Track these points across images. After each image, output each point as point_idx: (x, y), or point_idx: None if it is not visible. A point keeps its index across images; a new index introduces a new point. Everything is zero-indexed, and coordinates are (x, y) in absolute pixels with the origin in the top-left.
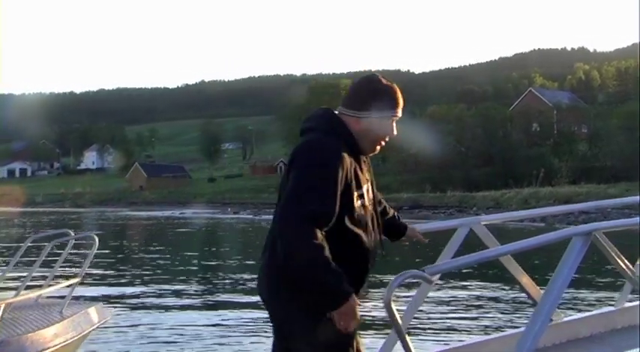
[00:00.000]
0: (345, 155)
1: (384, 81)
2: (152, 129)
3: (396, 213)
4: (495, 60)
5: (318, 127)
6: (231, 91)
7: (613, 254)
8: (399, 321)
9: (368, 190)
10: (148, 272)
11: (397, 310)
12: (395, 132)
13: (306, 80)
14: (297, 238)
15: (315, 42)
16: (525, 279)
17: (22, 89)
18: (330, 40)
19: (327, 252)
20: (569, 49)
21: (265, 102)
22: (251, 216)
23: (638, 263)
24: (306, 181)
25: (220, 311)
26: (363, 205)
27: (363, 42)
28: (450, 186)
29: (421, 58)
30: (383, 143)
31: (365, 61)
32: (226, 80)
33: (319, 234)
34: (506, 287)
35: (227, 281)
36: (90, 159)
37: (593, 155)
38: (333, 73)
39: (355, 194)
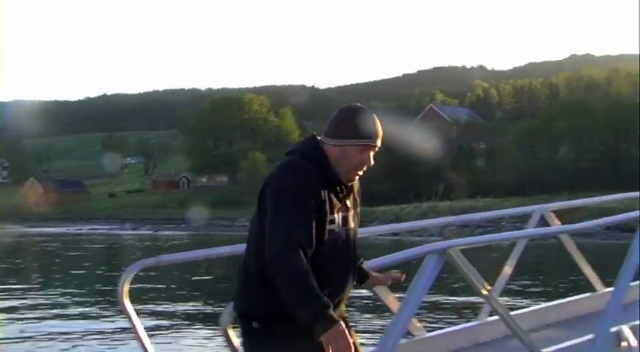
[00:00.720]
0: (317, 179)
1: (362, 111)
2: (50, 143)
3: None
4: (399, 76)
5: (296, 151)
6: (135, 105)
7: (468, 271)
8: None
9: (345, 218)
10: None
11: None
12: (372, 162)
13: (212, 94)
14: (288, 270)
15: (220, 56)
16: (384, 293)
17: None
18: (235, 54)
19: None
20: (468, 66)
21: (170, 116)
22: (150, 232)
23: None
24: (282, 207)
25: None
26: (334, 231)
27: (269, 57)
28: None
29: (326, 73)
30: (360, 172)
31: (271, 76)
32: (130, 93)
33: (305, 261)
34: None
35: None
36: None
37: (490, 170)
38: (239, 88)
39: (326, 219)
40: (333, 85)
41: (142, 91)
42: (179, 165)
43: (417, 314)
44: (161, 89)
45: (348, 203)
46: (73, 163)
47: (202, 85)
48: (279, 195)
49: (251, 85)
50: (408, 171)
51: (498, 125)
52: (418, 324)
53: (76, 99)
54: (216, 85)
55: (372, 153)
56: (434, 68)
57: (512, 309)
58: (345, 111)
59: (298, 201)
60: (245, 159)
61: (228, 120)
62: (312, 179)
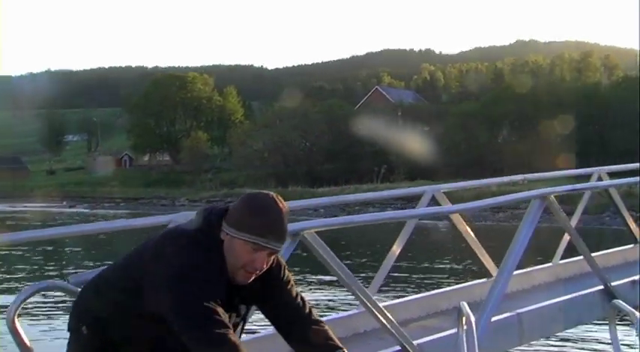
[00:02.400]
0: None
1: (268, 204)
2: None
3: None
4: (347, 58)
5: (195, 231)
6: (79, 82)
7: (326, 256)
8: (27, 343)
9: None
10: None
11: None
12: (257, 265)
13: (158, 73)
14: None
15: (168, 35)
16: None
17: None
18: (184, 33)
19: None
20: (416, 50)
21: (115, 94)
22: (87, 210)
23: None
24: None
25: None
26: None
27: (216, 36)
28: (294, 182)
29: (274, 54)
30: (249, 275)
31: (219, 56)
32: (74, 70)
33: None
34: None
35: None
36: None
37: (431, 153)
38: (186, 67)
39: None
40: (281, 66)
41: (87, 68)
42: (122, 143)
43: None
44: (107, 66)
45: (241, 308)
46: (12, 140)
47: (149, 63)
48: (171, 279)
49: (199, 64)
50: (351, 153)
51: (440, 107)
52: None
53: (19, 74)
54: (163, 63)
55: (266, 257)
56: (382, 50)
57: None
58: (248, 198)
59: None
60: (187, 138)
61: (170, 98)
62: (206, 264)
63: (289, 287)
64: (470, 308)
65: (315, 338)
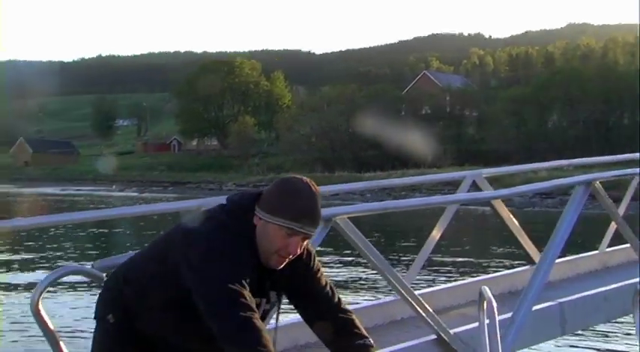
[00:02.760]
0: (247, 260)
1: (302, 188)
2: (41, 103)
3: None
4: (395, 43)
5: (226, 213)
6: (130, 67)
7: (357, 241)
8: (50, 326)
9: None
10: None
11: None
12: (291, 250)
13: (206, 58)
14: None
15: (217, 20)
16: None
17: None
18: (233, 18)
19: None
20: (465, 34)
21: (164, 79)
22: (136, 193)
23: None
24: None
25: None
26: None
27: (265, 21)
28: (341, 167)
29: (323, 39)
30: (283, 259)
31: (267, 41)
32: (124, 55)
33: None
34: None
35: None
36: None
37: (480, 138)
38: (234, 52)
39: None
40: (328, 51)
41: (137, 53)
42: (171, 128)
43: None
44: (156, 51)
45: (272, 295)
46: (65, 124)
47: (198, 49)
48: (200, 262)
49: (247, 49)
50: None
51: (489, 92)
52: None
53: (72, 59)
54: (211, 48)
55: (300, 242)
56: (430, 35)
57: (437, 284)
58: (282, 182)
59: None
60: (235, 123)
61: (218, 84)
62: (236, 248)
63: (319, 275)
64: (513, 297)
65: (342, 327)
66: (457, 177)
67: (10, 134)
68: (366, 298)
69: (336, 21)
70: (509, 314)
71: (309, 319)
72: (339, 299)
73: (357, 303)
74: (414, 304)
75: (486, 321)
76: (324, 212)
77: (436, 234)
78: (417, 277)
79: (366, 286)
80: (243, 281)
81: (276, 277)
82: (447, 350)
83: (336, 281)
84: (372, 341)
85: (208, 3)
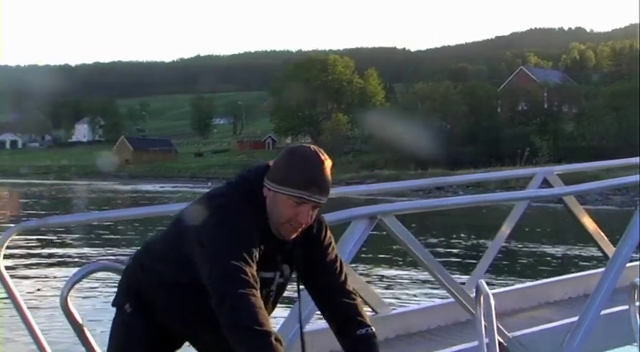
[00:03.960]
0: (253, 227)
1: (311, 156)
2: (143, 102)
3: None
4: (492, 39)
5: (235, 185)
6: (227, 66)
7: (403, 238)
8: (78, 320)
9: (265, 281)
10: None
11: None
12: (301, 219)
13: (302, 57)
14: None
15: (313, 18)
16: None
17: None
18: (327, 16)
19: None
20: (566, 28)
21: (260, 77)
22: None
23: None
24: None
25: None
26: None
27: (361, 19)
28: (434, 165)
29: (418, 36)
30: (294, 229)
31: (362, 39)
32: (222, 55)
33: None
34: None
35: None
36: (81, 132)
37: (579, 134)
38: (330, 50)
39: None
40: (423, 48)
41: (234, 53)
42: (266, 126)
43: (387, 288)
44: (253, 51)
45: (285, 268)
46: (165, 123)
47: (293, 47)
48: (207, 237)
49: (341, 47)
50: (492, 135)
51: (589, 88)
52: (383, 300)
53: (171, 60)
54: (307, 47)
55: (310, 211)
56: (529, 30)
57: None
58: (289, 151)
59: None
60: (328, 120)
61: (312, 82)
62: (244, 223)
63: (330, 249)
64: (584, 301)
65: (345, 312)
66: (527, 174)
67: (115, 133)
68: (420, 299)
69: (431, 17)
70: (575, 318)
71: (313, 293)
72: (346, 278)
73: (419, 304)
74: (466, 304)
75: (548, 325)
76: (368, 209)
77: (504, 231)
78: (482, 275)
79: (422, 288)
80: (248, 258)
81: (289, 249)
82: None
83: (385, 281)
84: (373, 330)
85: (305, 2)
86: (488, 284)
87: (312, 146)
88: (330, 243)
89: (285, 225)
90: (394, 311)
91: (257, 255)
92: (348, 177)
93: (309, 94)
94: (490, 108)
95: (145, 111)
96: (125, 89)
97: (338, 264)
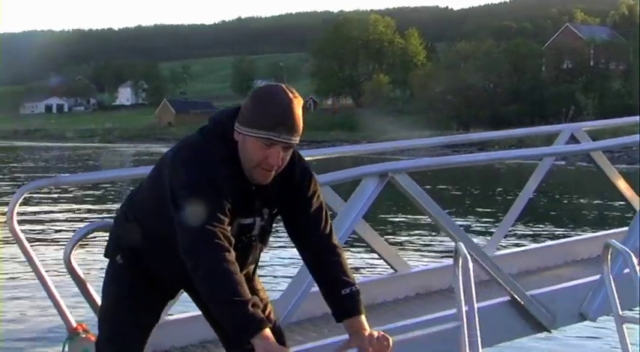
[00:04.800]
0: (222, 174)
1: (276, 94)
2: (185, 65)
3: (342, 283)
4: None
5: (207, 130)
6: (268, 28)
7: (416, 196)
8: (81, 276)
9: (245, 226)
10: None
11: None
12: (272, 161)
13: (343, 17)
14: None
15: None
16: None
17: (61, 26)
18: None
19: None
20: None
21: (301, 39)
22: None
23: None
24: (184, 207)
25: None
26: None
27: None
28: (477, 124)
29: None
30: (266, 172)
31: None
32: (263, 17)
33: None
34: None
35: None
36: (124, 95)
37: (627, 92)
38: (371, 10)
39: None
40: (466, 6)
41: (275, 14)
42: (307, 87)
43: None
44: (294, 12)
45: (265, 212)
46: (207, 86)
47: (334, 8)
48: (178, 193)
49: (383, 7)
50: (536, 94)
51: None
52: (402, 259)
53: (213, 22)
54: (348, 7)
55: (281, 152)
56: None
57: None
58: (256, 91)
59: (201, 196)
60: (369, 81)
61: (352, 42)
62: (215, 173)
63: (314, 199)
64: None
65: (330, 269)
66: (553, 130)
67: (157, 96)
68: (432, 260)
69: None
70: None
71: (297, 243)
72: (331, 232)
73: (425, 265)
74: (482, 263)
75: (569, 284)
76: (378, 166)
77: (529, 189)
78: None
79: (434, 249)
80: (221, 215)
81: (267, 193)
82: (521, 313)
83: (398, 241)
84: (357, 288)
85: None
86: (511, 243)
87: (280, 84)
88: (315, 192)
89: (257, 169)
90: (414, 270)
91: (231, 207)
92: (390, 138)
93: (350, 55)
94: (534, 67)
95: (186, 74)
96: (167, 52)
97: (323, 215)
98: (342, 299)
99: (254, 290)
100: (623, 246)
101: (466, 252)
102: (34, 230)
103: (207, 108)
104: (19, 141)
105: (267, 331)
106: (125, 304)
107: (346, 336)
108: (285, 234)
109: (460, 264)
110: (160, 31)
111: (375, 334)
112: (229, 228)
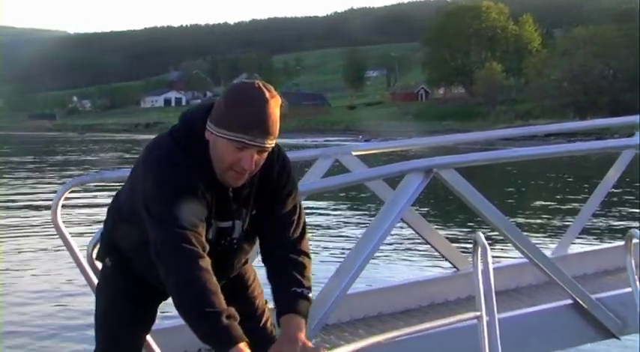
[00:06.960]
0: (194, 178)
1: (252, 93)
2: (298, 58)
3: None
4: None
5: (176, 132)
6: (380, 18)
7: (462, 191)
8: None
9: (223, 230)
10: None
11: None
12: (244, 165)
13: (454, 5)
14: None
15: None
16: None
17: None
18: None
19: None
20: None
21: (413, 28)
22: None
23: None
24: (156, 214)
25: None
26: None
27: None
28: (595, 112)
29: None
30: (239, 175)
31: None
32: (375, 7)
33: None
34: None
35: None
36: None
37: None
38: None
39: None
40: None
41: (387, 4)
42: (419, 77)
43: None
44: (406, 1)
45: (243, 210)
46: (319, 77)
47: None
48: (149, 196)
49: None
50: None
51: None
52: (463, 256)
53: (325, 14)
54: None
55: (255, 155)
56: None
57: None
58: (229, 90)
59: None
60: (482, 69)
61: (464, 30)
62: (188, 175)
63: (288, 199)
64: None
65: (286, 267)
66: (629, 121)
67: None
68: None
69: None
70: None
71: (262, 245)
72: (302, 236)
73: (500, 262)
74: (540, 264)
75: None
76: (422, 162)
77: (607, 184)
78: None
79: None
80: (194, 219)
81: (245, 195)
82: (586, 317)
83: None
84: (309, 294)
85: None
86: (587, 241)
87: (257, 81)
88: (290, 194)
89: (229, 172)
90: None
91: (206, 211)
92: (503, 127)
93: (462, 43)
94: None
95: (299, 66)
96: (280, 45)
97: (295, 218)
98: (291, 295)
99: (245, 297)
100: None
101: (484, 242)
102: (81, 222)
103: (319, 100)
104: (139, 134)
105: (242, 346)
106: (118, 308)
107: (370, 340)
108: (317, 235)
109: (479, 255)
110: (273, 24)
111: (309, 344)
112: (205, 233)
